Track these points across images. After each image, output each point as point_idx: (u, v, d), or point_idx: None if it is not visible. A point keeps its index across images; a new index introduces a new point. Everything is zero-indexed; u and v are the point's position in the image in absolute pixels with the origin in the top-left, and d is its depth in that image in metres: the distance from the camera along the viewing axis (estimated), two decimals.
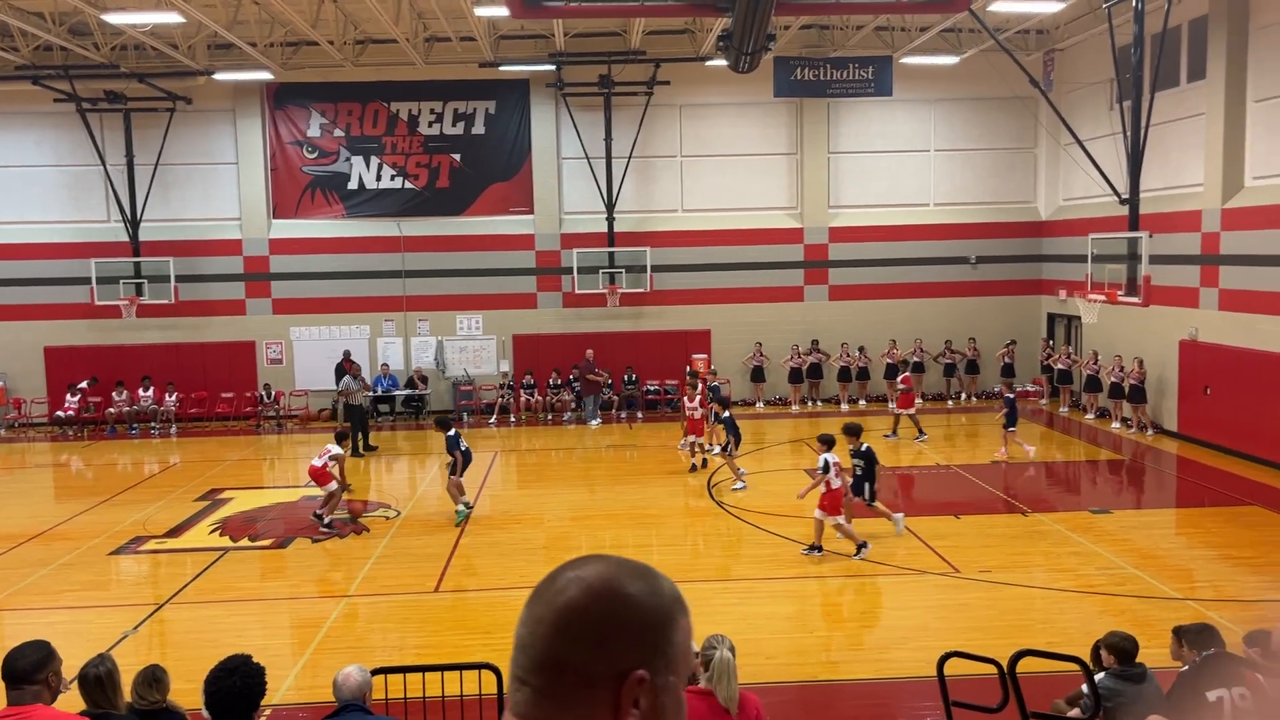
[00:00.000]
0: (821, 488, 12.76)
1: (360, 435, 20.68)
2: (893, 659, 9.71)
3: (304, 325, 25.00)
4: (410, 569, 12.90)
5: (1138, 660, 6.87)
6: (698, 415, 18.10)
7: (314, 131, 24.92)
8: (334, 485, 14.87)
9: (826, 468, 12.65)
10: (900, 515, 13.77)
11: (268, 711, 8.69)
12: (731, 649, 5.46)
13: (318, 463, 14.98)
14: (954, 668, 7.23)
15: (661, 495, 16.55)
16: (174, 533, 14.89)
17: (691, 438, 18.21)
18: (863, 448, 13.45)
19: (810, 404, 25.04)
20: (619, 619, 1.40)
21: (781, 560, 12.89)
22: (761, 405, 25.12)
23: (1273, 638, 6.71)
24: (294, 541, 14.31)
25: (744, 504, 15.70)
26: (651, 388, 25.11)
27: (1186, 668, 6.50)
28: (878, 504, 13.64)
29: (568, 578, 1.44)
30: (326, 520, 14.77)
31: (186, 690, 6.74)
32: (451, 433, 15.16)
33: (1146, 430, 20.50)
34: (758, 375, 25.04)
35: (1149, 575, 11.98)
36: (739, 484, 16.78)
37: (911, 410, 20.89)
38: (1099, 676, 6.77)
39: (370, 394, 22.79)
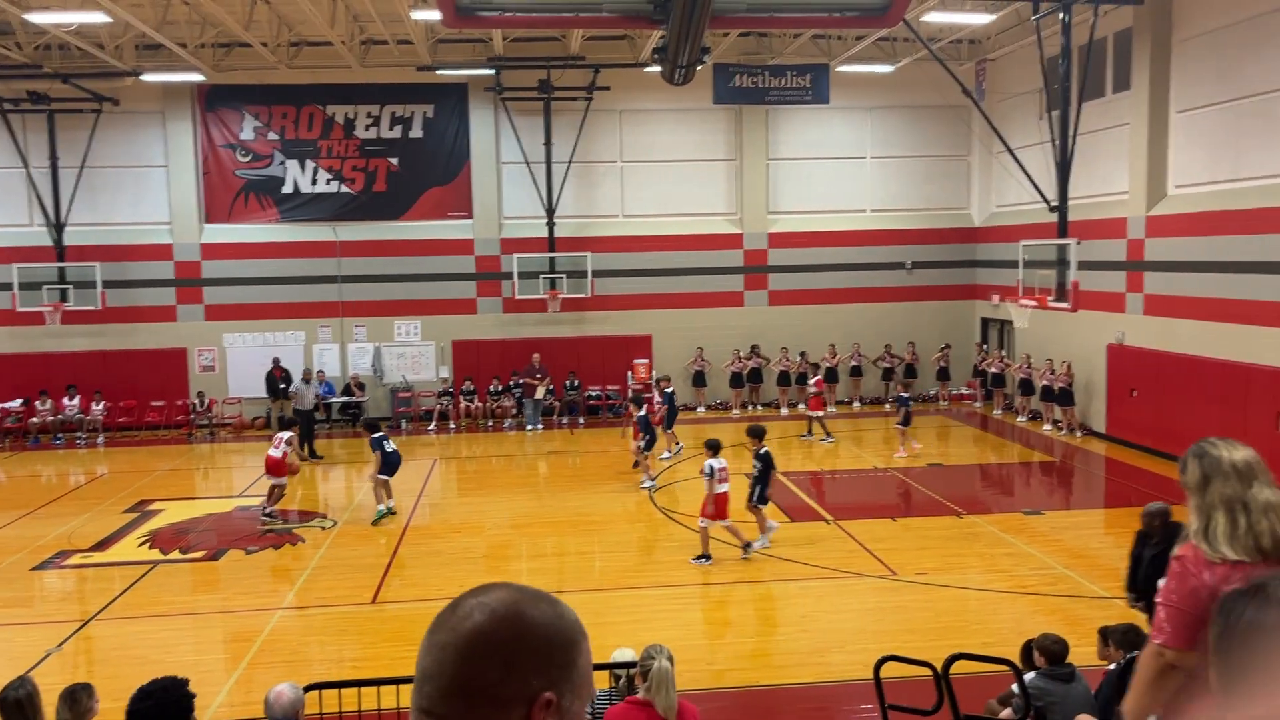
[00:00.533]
0: (716, 491, 12.78)
1: (306, 442, 20.62)
2: (831, 663, 9.80)
3: (237, 332, 24.51)
4: (347, 580, 12.71)
5: (1067, 661, 7.03)
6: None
7: (247, 134, 24.47)
8: (284, 479, 15.29)
9: (711, 473, 12.69)
10: (774, 527, 13.70)
11: None
12: (670, 658, 5.47)
13: (275, 453, 15.35)
14: (890, 670, 7.32)
15: (603, 501, 16.53)
16: (101, 546, 14.48)
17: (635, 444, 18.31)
18: (761, 451, 13.56)
19: (751, 408, 25.21)
20: (526, 642, 1.40)
21: (722, 566, 12.94)
22: (703, 410, 25.21)
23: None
24: (227, 553, 14.02)
25: (685, 509, 15.74)
26: (593, 393, 25.06)
27: (1113, 667, 6.66)
28: (762, 509, 13.66)
29: (471, 604, 1.44)
30: (269, 511, 15.31)
31: (115, 710, 6.55)
32: (378, 434, 15.45)
33: (1076, 432, 20.99)
34: (699, 380, 25.13)
35: (1079, 575, 12.26)
36: (647, 482, 17.29)
37: (821, 413, 21.28)
38: (1029, 677, 6.91)
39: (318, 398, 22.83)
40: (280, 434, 15.65)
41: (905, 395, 20.45)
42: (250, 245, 24.37)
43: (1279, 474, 3.39)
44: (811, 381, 21.93)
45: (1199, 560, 3.24)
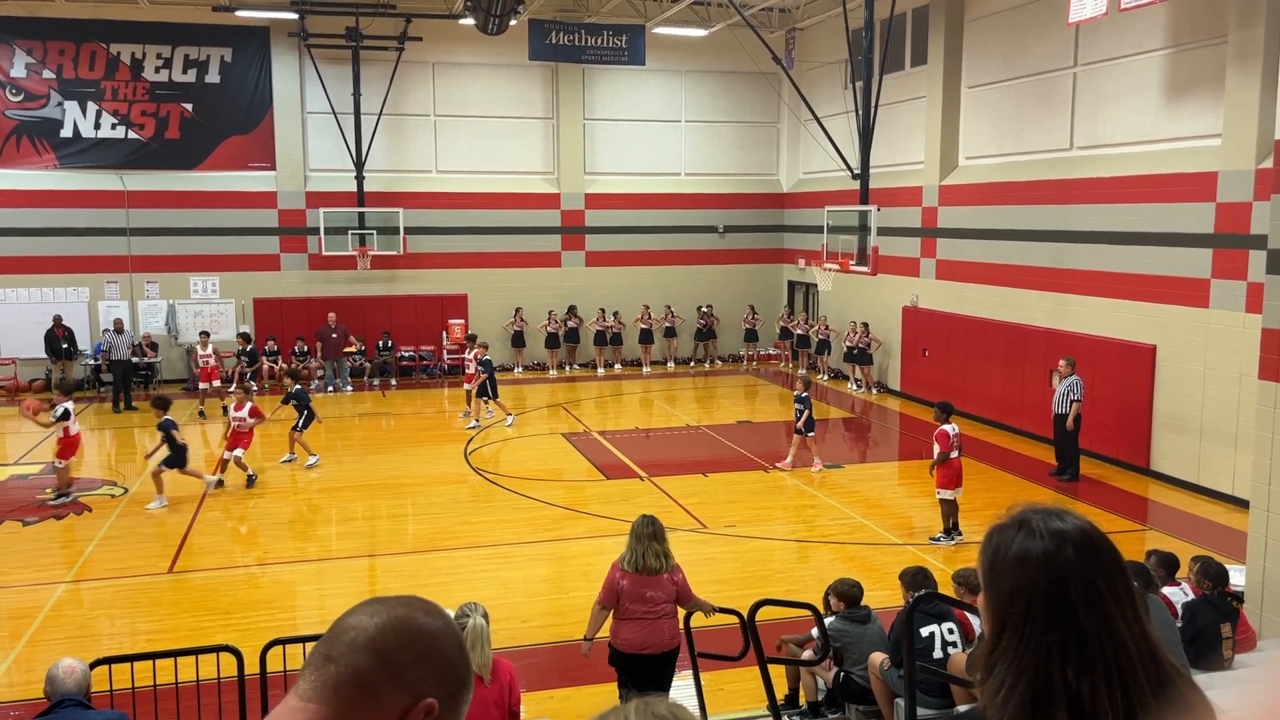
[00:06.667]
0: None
1: (122, 393, 20.78)
2: None
3: (10, 287, 22.48)
4: (140, 549, 12.00)
5: (863, 604, 7.47)
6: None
7: (18, 71, 22.32)
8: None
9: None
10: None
11: None
12: (485, 616, 5.46)
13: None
14: (701, 619, 7.57)
15: (416, 464, 16.24)
16: None
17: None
18: (295, 389, 16.37)
19: (568, 369, 25.30)
20: (428, 652, 1.43)
21: (538, 524, 13.00)
22: (520, 370, 25.09)
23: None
24: (1, 525, 12.95)
25: (500, 469, 15.67)
26: (406, 354, 24.50)
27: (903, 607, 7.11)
28: (299, 435, 16.04)
29: (376, 608, 1.47)
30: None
31: None
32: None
33: (873, 390, 22.17)
34: (518, 340, 24.95)
35: (874, 524, 13.01)
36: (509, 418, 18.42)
37: (472, 386, 19.19)
38: (829, 620, 7.30)
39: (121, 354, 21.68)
40: (62, 405, 14.12)
41: (804, 394, 15.60)
42: (23, 193, 22.33)
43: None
44: (470, 354, 19.25)
45: (616, 568, 7.03)
